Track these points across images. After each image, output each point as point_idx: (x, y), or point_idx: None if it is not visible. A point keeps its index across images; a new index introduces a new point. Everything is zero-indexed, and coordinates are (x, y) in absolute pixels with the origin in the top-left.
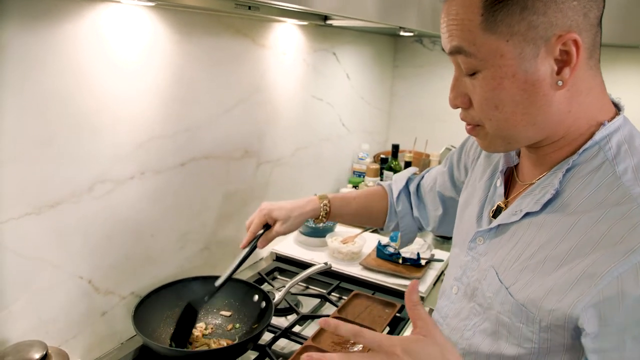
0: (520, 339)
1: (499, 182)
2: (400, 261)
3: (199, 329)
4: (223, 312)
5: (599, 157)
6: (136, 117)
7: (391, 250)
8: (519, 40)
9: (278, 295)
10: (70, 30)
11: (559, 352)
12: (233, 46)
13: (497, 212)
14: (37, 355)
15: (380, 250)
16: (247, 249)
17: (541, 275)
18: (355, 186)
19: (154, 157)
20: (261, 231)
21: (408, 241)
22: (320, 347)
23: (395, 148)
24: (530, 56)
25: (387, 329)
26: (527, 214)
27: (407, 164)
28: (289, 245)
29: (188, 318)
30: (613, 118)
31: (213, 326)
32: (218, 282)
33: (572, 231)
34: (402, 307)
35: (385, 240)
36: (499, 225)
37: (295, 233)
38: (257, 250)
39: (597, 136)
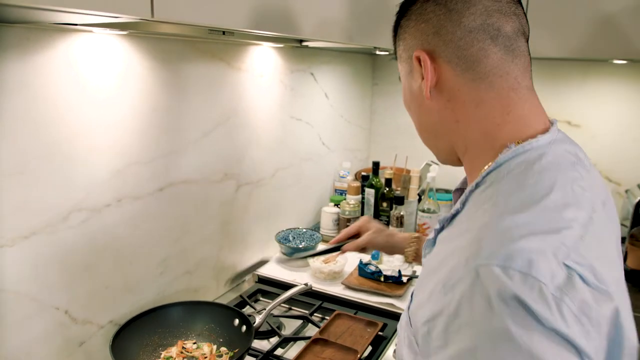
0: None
1: (454, 201)
2: (382, 279)
3: (177, 353)
4: (204, 337)
5: (491, 177)
6: (112, 144)
7: (372, 268)
8: (401, 61)
9: (259, 319)
10: (42, 60)
11: None
12: (209, 71)
13: None
14: None
15: (362, 268)
16: (332, 246)
17: (420, 292)
18: (337, 204)
19: (131, 184)
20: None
21: None
22: None
23: (376, 165)
24: (407, 73)
25: (370, 348)
26: (437, 233)
27: (388, 181)
28: (271, 266)
29: None
30: (527, 139)
31: (194, 351)
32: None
33: (444, 247)
34: (385, 326)
35: (366, 258)
36: (429, 242)
37: (277, 254)
38: (240, 269)
39: (500, 158)
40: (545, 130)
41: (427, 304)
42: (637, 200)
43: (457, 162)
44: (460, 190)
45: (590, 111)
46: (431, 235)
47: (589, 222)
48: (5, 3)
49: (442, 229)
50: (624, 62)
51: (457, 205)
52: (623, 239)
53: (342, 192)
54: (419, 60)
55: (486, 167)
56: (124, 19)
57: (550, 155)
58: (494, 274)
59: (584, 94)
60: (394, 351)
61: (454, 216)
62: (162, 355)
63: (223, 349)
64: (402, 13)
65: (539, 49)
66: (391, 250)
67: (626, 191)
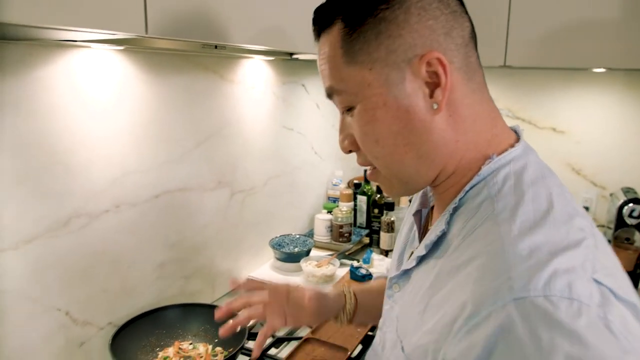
0: None
1: (415, 226)
2: None
3: (174, 353)
4: (200, 337)
5: (482, 194)
6: (110, 154)
7: (363, 272)
8: (382, 66)
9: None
10: (43, 74)
11: None
12: (202, 83)
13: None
14: None
15: (353, 272)
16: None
17: (421, 326)
18: (330, 211)
19: (129, 191)
20: None
21: None
22: None
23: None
24: (397, 81)
25: (360, 346)
26: (422, 259)
27: (379, 188)
28: (265, 271)
29: None
30: (506, 150)
31: (190, 351)
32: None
33: (449, 276)
34: (374, 327)
35: (358, 263)
36: (405, 272)
37: (272, 260)
38: (235, 275)
39: (484, 171)
40: (515, 139)
41: (437, 345)
42: (620, 202)
43: (432, 189)
44: (419, 212)
45: (575, 118)
46: (410, 264)
47: (592, 227)
48: (13, 22)
49: (424, 255)
50: (603, 70)
51: (442, 225)
52: (608, 242)
53: (334, 200)
54: (429, 63)
55: (471, 181)
56: (120, 35)
57: (531, 165)
58: (538, 305)
59: (567, 101)
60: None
61: (439, 238)
62: (159, 355)
63: (218, 348)
64: (379, 1)
65: (521, 59)
66: (323, 313)
67: (610, 195)
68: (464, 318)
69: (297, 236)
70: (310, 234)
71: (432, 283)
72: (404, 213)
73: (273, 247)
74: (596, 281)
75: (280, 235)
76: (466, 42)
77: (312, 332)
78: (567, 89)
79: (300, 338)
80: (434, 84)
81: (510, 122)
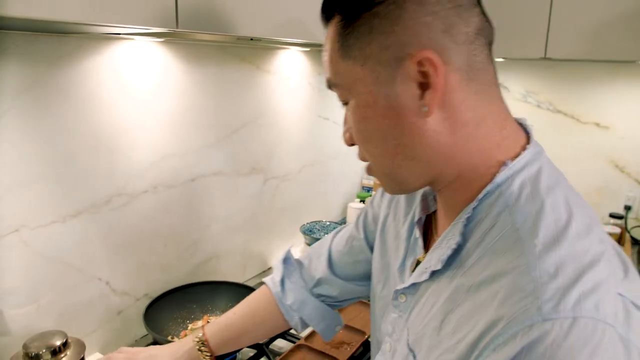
0: None
1: (418, 233)
2: None
3: (200, 325)
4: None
5: (499, 204)
6: (150, 139)
7: None
8: (373, 63)
9: None
10: (90, 65)
11: None
12: (238, 73)
13: (417, 267)
14: (58, 342)
15: None
16: None
17: (439, 343)
18: (363, 200)
19: (166, 174)
20: None
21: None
22: (312, 346)
23: None
24: (388, 80)
25: None
26: (433, 272)
27: None
28: (295, 255)
29: None
30: (519, 154)
31: None
32: None
33: (468, 293)
34: None
35: None
36: (414, 284)
37: (302, 245)
38: (266, 257)
39: (499, 178)
40: (525, 138)
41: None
42: None
43: (425, 189)
44: (417, 221)
45: (619, 112)
46: (421, 277)
47: (605, 234)
48: (61, 20)
49: (445, 267)
50: None
51: (457, 237)
52: None
53: (369, 189)
54: (420, 63)
55: (485, 189)
56: (155, 29)
57: (545, 168)
58: (564, 328)
59: (612, 95)
60: None
61: (455, 251)
62: (189, 327)
63: None
64: None
65: (563, 51)
66: None
67: None
68: (490, 336)
69: (328, 223)
70: (343, 222)
71: (449, 298)
72: None
73: (304, 232)
74: (620, 295)
75: (312, 222)
76: (471, 39)
77: None
78: (611, 83)
79: None
80: (426, 85)
81: (551, 116)
